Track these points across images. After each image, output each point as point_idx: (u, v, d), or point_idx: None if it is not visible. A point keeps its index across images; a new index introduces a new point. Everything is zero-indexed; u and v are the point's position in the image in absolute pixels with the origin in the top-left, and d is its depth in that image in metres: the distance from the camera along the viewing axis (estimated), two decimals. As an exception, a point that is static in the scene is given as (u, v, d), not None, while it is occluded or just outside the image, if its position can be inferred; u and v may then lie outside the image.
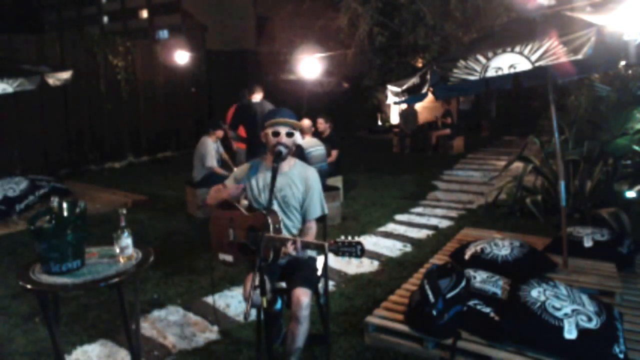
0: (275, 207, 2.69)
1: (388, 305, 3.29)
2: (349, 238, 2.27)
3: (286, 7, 14.64)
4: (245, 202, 2.83)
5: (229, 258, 2.76)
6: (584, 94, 6.49)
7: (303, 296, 2.48)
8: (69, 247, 2.38)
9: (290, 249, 2.39)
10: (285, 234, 2.65)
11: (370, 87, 12.65)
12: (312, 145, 5.88)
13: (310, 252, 2.73)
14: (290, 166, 2.75)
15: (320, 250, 2.36)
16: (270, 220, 2.54)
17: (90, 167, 9.95)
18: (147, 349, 3.11)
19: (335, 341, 3.12)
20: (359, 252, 2.24)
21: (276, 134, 2.61)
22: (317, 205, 2.74)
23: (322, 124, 6.96)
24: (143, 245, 2.74)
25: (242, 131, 6.26)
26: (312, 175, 2.76)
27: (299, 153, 5.56)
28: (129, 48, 10.61)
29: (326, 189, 5.67)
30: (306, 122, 6.12)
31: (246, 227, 2.70)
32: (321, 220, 2.82)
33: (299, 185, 2.72)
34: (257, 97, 5.98)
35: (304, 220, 2.75)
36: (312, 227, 2.73)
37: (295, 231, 2.76)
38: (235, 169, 2.96)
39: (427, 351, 2.90)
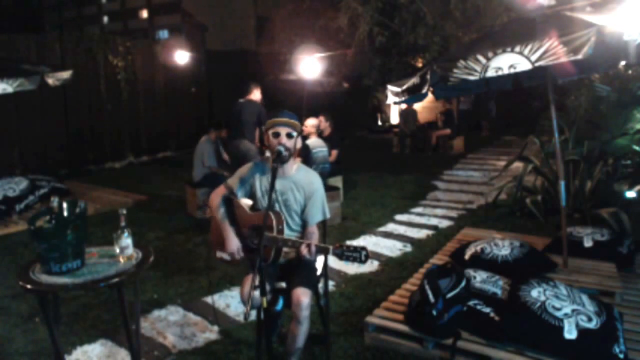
0: (276, 209, 2.68)
1: (388, 305, 3.29)
2: (355, 243, 2.28)
3: (286, 7, 14.64)
4: (248, 201, 2.82)
5: (226, 256, 2.75)
6: (584, 94, 6.49)
7: (303, 297, 2.48)
8: (69, 247, 2.38)
9: (304, 252, 2.39)
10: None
11: (370, 87, 12.65)
12: (317, 146, 5.89)
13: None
14: (294, 170, 2.74)
15: (325, 253, 2.36)
16: (274, 221, 2.54)
17: (90, 167, 9.94)
18: (147, 349, 3.11)
19: (335, 341, 3.12)
20: (363, 257, 2.25)
21: (276, 135, 2.60)
22: (319, 210, 2.73)
23: (322, 122, 6.96)
24: (143, 245, 2.74)
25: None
26: (316, 180, 2.75)
27: (306, 153, 5.58)
28: (129, 48, 10.60)
29: (326, 189, 5.66)
30: (311, 122, 6.11)
31: (248, 226, 2.70)
32: (321, 221, 2.82)
33: (302, 190, 2.71)
34: (251, 96, 6.21)
35: (306, 225, 2.73)
36: (315, 232, 2.71)
37: (294, 234, 2.75)
38: (240, 168, 2.92)
39: (427, 351, 2.90)
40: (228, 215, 2.75)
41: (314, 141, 5.90)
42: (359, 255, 2.24)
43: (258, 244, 2.30)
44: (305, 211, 2.71)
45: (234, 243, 2.67)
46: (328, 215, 2.79)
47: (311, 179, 2.74)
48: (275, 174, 2.43)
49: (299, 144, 2.71)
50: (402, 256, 4.73)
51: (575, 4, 3.36)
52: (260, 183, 2.75)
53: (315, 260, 2.79)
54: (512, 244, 3.80)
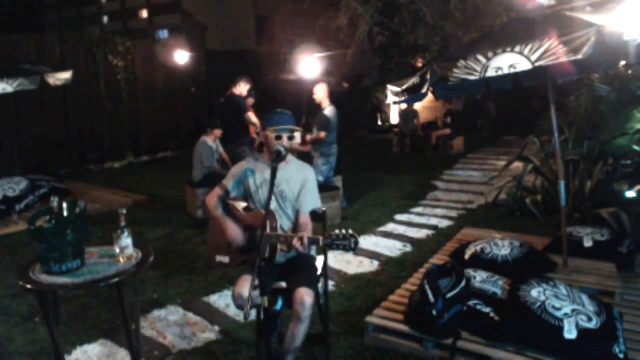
0: (273, 201, 2.70)
1: (388, 305, 3.29)
2: (344, 231, 2.28)
3: (286, 7, 14.63)
4: (242, 203, 2.84)
5: (225, 260, 2.77)
6: (584, 94, 6.48)
7: (307, 296, 2.49)
8: (69, 247, 2.38)
9: (297, 245, 2.40)
10: (280, 230, 2.67)
11: (370, 87, 12.65)
12: (334, 115, 5.95)
13: (310, 251, 2.74)
14: (287, 162, 2.80)
15: (315, 244, 2.38)
16: (268, 220, 2.54)
17: (90, 167, 9.95)
18: (147, 349, 3.11)
19: (335, 341, 3.12)
20: (352, 244, 2.25)
21: (279, 138, 2.67)
22: (312, 198, 2.77)
23: None
24: (143, 245, 2.74)
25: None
26: (308, 170, 2.84)
27: (326, 122, 5.79)
28: (129, 48, 10.60)
29: (326, 189, 5.67)
30: (321, 88, 5.99)
31: (244, 227, 2.71)
32: (321, 219, 2.83)
33: (296, 179, 2.77)
34: (235, 89, 6.14)
35: (299, 215, 2.76)
36: (309, 222, 2.74)
37: (290, 225, 2.78)
38: (232, 168, 2.95)
39: (427, 351, 2.90)
40: (227, 214, 2.79)
41: (331, 111, 5.94)
42: (349, 242, 2.25)
43: (257, 244, 2.31)
44: (299, 200, 2.75)
45: (235, 231, 2.69)
46: (320, 204, 2.83)
47: (304, 169, 2.83)
48: (275, 173, 2.43)
49: (298, 141, 2.77)
50: (402, 256, 4.73)
51: (575, 4, 3.35)
52: (255, 178, 2.78)
53: (311, 257, 2.80)
54: (512, 244, 3.80)
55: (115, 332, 3.31)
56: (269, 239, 2.52)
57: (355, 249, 2.26)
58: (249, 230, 2.70)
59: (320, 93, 5.94)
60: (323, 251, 2.84)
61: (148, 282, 4.10)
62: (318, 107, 6.06)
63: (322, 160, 5.98)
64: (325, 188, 5.50)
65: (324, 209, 2.84)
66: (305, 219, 2.74)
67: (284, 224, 2.76)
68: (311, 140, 5.95)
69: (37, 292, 2.41)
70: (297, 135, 2.73)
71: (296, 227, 2.76)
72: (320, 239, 2.34)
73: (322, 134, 5.83)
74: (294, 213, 2.79)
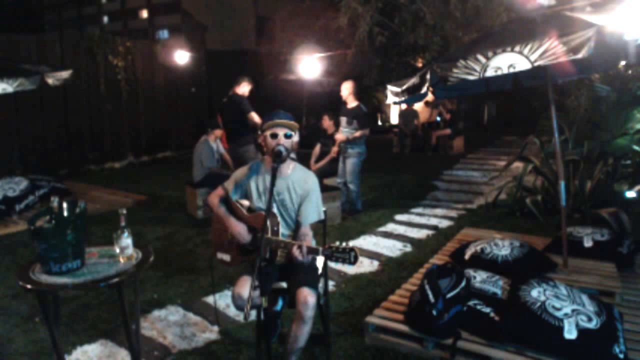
0: (274, 209, 2.69)
1: (388, 305, 3.29)
2: (344, 244, 2.27)
3: (286, 7, 14.63)
4: (245, 202, 2.83)
5: (226, 257, 2.78)
6: (584, 94, 6.48)
7: (310, 297, 2.48)
8: (69, 247, 2.38)
9: (296, 253, 2.39)
10: (280, 236, 2.66)
11: (370, 87, 12.63)
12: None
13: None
14: (290, 170, 2.75)
15: (315, 254, 2.36)
16: (269, 222, 2.54)
17: (90, 167, 9.94)
18: (147, 349, 3.11)
19: (335, 341, 3.12)
20: (352, 259, 2.24)
21: (274, 136, 2.61)
22: (314, 210, 2.73)
23: (326, 121, 7.04)
24: (143, 245, 2.74)
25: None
26: (312, 180, 2.76)
27: (365, 117, 5.98)
28: (129, 48, 10.59)
29: (326, 189, 5.68)
30: (347, 86, 6.05)
31: (248, 227, 2.71)
32: (321, 220, 2.82)
33: (298, 189, 2.71)
34: (238, 89, 6.14)
35: (299, 226, 2.73)
36: (309, 233, 2.71)
37: (290, 232, 2.76)
38: (236, 171, 2.95)
39: (427, 351, 2.90)
40: (229, 212, 2.77)
41: (363, 106, 6.13)
42: (348, 256, 2.25)
43: (256, 245, 2.31)
44: (300, 210, 2.71)
45: (239, 226, 2.67)
46: (322, 216, 2.79)
47: (307, 179, 2.75)
48: (275, 174, 2.43)
49: (295, 141, 2.72)
50: (402, 256, 4.73)
51: (575, 4, 3.36)
52: (257, 184, 2.76)
53: (315, 260, 2.79)
54: (512, 244, 3.80)
55: (115, 332, 3.31)
56: (269, 242, 2.51)
57: (354, 263, 2.25)
58: (249, 232, 2.69)
59: (347, 90, 6.00)
60: None
61: (148, 282, 4.10)
62: (342, 104, 6.14)
63: (359, 158, 6.11)
64: (325, 188, 5.51)
65: (324, 209, 2.84)
66: (305, 229, 2.71)
67: (284, 231, 2.72)
68: (357, 137, 6.01)
69: (37, 292, 2.42)
70: (295, 134, 2.67)
71: (295, 236, 2.73)
72: (320, 249, 2.33)
73: (367, 131, 6.02)
74: (293, 222, 2.76)
